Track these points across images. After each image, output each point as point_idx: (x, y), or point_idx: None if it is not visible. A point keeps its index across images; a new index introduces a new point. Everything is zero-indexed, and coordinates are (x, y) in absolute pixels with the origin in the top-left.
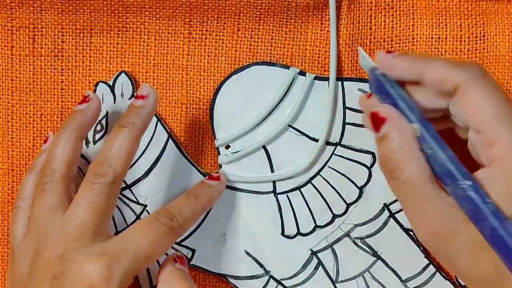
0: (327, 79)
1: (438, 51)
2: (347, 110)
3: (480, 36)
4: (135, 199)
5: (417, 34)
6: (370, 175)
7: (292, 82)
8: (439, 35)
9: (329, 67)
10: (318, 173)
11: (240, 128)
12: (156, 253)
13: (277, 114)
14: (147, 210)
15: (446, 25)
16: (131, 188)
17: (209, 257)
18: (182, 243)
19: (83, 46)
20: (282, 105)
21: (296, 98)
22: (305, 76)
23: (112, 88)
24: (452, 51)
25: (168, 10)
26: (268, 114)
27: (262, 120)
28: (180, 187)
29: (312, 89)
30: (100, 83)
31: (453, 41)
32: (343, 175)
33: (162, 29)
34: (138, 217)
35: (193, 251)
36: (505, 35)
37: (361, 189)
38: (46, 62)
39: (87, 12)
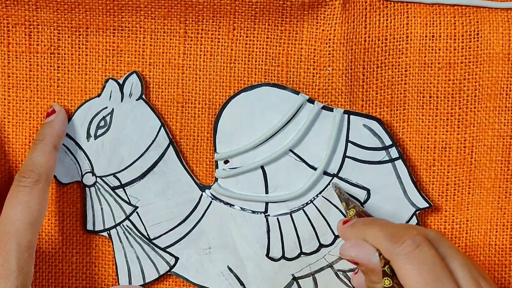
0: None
1: (432, 49)
2: (349, 144)
3: (474, 34)
4: (127, 199)
5: (411, 33)
6: None
7: (299, 108)
8: (433, 33)
9: (324, 66)
10: (311, 201)
11: (241, 145)
12: (36, 212)
13: (280, 137)
14: (137, 212)
15: (440, 23)
16: (125, 188)
17: (191, 267)
18: (167, 250)
19: (79, 44)
20: (286, 129)
21: (301, 125)
22: (313, 104)
23: (121, 87)
24: (446, 49)
25: (163, 9)
26: (271, 136)
27: (265, 141)
28: (174, 194)
29: (318, 118)
30: (110, 80)
31: (447, 39)
32: (336, 206)
33: (157, 28)
34: (127, 218)
35: (177, 259)
36: (498, 33)
37: None
38: (42, 59)
39: (83, 11)
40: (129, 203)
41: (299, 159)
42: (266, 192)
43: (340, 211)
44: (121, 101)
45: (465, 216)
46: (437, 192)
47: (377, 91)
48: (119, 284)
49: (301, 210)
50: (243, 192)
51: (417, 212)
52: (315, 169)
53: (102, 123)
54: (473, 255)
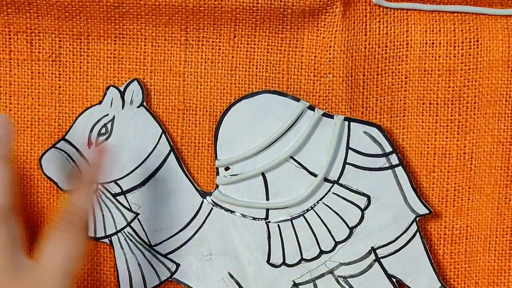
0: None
1: (432, 56)
2: (349, 151)
3: (474, 41)
4: (128, 206)
5: (411, 40)
6: (362, 217)
7: (300, 115)
8: (433, 40)
9: (324, 73)
10: (312, 207)
11: (242, 152)
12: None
13: (281, 144)
14: (138, 219)
15: (440, 30)
16: (126, 195)
17: (192, 273)
18: (168, 256)
19: (80, 51)
20: (287, 136)
21: (302, 132)
22: (313, 111)
23: (122, 94)
24: (446, 56)
25: (164, 17)
26: (272, 143)
27: (265, 148)
28: (174, 201)
29: (318, 125)
30: (111, 87)
31: (446, 46)
32: (336, 213)
33: (158, 36)
34: (128, 224)
35: (178, 265)
36: (498, 39)
37: (351, 229)
38: (44, 67)
39: (84, 19)
40: (130, 210)
41: (299, 166)
42: (267, 198)
43: (341, 217)
44: (122, 108)
45: (465, 222)
46: (437, 198)
47: (377, 98)
48: None
49: (302, 216)
50: (244, 198)
51: (417, 218)
52: (315, 175)
53: (103, 130)
54: (473, 261)
